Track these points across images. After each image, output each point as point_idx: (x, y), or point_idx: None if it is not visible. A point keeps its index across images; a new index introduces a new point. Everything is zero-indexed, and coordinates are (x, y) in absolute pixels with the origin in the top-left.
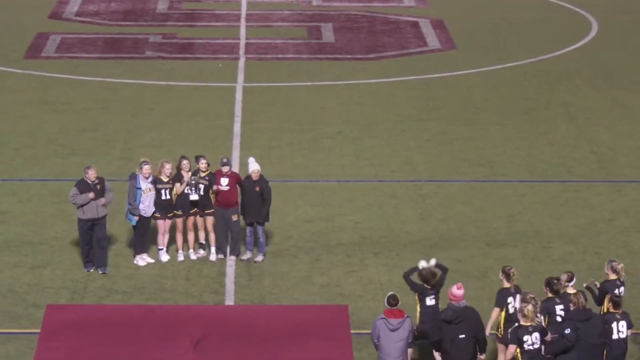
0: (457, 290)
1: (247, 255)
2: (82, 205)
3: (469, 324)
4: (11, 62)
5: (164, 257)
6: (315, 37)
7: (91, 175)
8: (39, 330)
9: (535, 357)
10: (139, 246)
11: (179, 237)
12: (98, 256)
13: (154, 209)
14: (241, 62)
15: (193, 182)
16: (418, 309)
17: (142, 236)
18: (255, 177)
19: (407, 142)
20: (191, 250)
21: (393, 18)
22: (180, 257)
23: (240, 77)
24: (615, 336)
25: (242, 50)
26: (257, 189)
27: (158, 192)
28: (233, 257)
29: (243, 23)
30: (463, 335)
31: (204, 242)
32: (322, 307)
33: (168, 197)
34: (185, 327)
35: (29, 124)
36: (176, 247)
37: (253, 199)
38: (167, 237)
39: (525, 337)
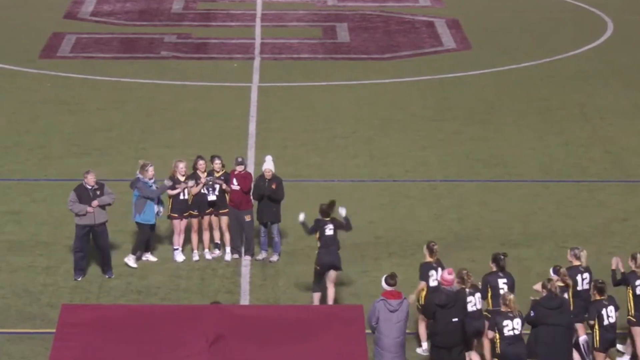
0: (448, 275)
1: (262, 255)
2: (78, 214)
3: (460, 308)
4: (26, 62)
5: (180, 257)
6: (331, 37)
7: (90, 180)
8: (53, 330)
9: (514, 342)
10: (142, 247)
11: (194, 237)
12: (103, 263)
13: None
14: (256, 62)
15: (210, 182)
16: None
17: (149, 239)
18: (267, 175)
19: (422, 142)
20: (206, 250)
21: (408, 18)
22: (196, 257)
23: (256, 77)
24: (606, 322)
25: (257, 50)
26: (273, 186)
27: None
28: (248, 257)
29: (258, 23)
30: (456, 319)
31: (219, 242)
32: (336, 307)
33: (185, 197)
34: (200, 327)
35: (43, 124)
36: (191, 247)
37: (267, 197)
38: (182, 237)
39: (506, 322)
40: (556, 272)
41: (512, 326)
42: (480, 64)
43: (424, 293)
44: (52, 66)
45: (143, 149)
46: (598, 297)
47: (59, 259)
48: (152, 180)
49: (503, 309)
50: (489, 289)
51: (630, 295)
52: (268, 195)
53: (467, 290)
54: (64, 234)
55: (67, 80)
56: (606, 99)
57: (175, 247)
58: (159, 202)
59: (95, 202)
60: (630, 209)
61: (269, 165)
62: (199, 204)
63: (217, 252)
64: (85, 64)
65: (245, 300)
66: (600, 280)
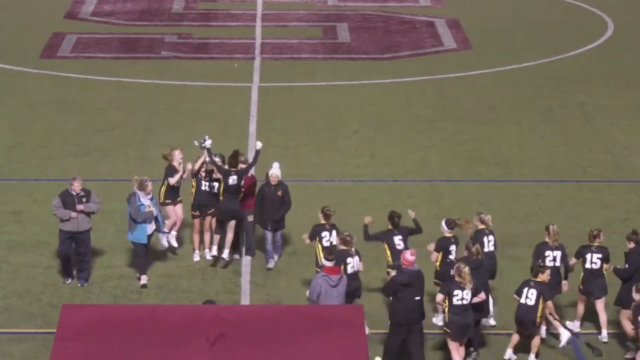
0: (410, 256)
1: (271, 264)
2: (62, 219)
3: (421, 287)
4: (27, 62)
5: (173, 241)
6: (331, 37)
7: (76, 187)
8: (54, 330)
9: (463, 312)
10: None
11: (196, 238)
12: (80, 269)
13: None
14: (257, 62)
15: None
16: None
17: (144, 262)
18: (273, 181)
19: (423, 142)
20: (206, 250)
21: (409, 18)
22: (196, 258)
23: (256, 77)
24: (522, 301)
25: (257, 50)
26: (279, 193)
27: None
28: (248, 257)
29: (259, 23)
30: (418, 297)
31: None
32: (337, 307)
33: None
34: (201, 327)
35: (44, 124)
36: (192, 248)
37: (274, 204)
38: (179, 222)
39: (456, 292)
40: (449, 224)
41: (462, 296)
42: (481, 64)
43: (319, 253)
44: (53, 66)
45: (144, 149)
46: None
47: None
48: (150, 196)
49: (457, 279)
50: (387, 246)
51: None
52: (280, 199)
53: (348, 251)
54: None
55: (67, 80)
56: (607, 99)
57: (165, 231)
58: (156, 220)
59: (80, 207)
60: (631, 209)
61: (276, 171)
62: (200, 205)
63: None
64: (85, 64)
65: (245, 300)
66: (540, 264)
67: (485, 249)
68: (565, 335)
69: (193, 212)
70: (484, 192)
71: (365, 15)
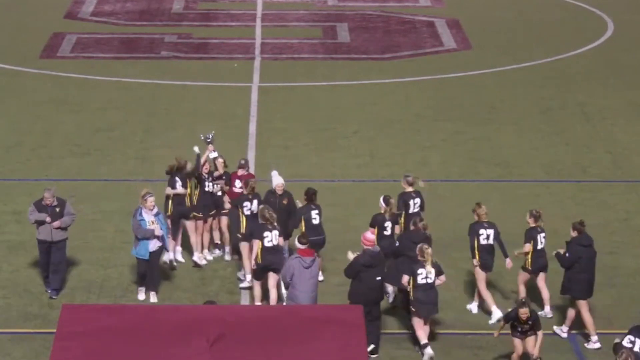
0: (370, 235)
1: None
2: (37, 223)
3: (382, 267)
4: (27, 62)
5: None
6: (331, 37)
7: (47, 199)
8: (54, 330)
9: (427, 290)
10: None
11: (197, 239)
12: (52, 279)
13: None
14: (257, 62)
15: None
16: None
17: (151, 271)
18: (279, 191)
19: (423, 142)
20: (205, 251)
21: (408, 18)
22: (195, 258)
23: (256, 77)
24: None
25: (257, 50)
26: (285, 202)
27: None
28: None
29: (258, 23)
30: (379, 278)
31: (219, 242)
32: (337, 307)
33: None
34: (201, 327)
35: (44, 124)
36: (193, 249)
37: (281, 214)
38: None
39: (420, 271)
40: (386, 201)
41: (425, 274)
42: (481, 64)
43: (243, 223)
44: (53, 66)
45: (144, 149)
46: (533, 225)
47: None
48: (154, 212)
49: (419, 258)
50: (304, 221)
51: (531, 250)
52: (286, 208)
53: (268, 226)
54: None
55: (67, 80)
56: (607, 99)
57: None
58: (162, 239)
59: (56, 224)
60: (631, 208)
61: (280, 180)
62: (202, 207)
63: (217, 252)
64: (85, 64)
65: (245, 300)
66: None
67: (411, 210)
68: (496, 314)
69: (195, 214)
70: (484, 192)
71: (365, 15)
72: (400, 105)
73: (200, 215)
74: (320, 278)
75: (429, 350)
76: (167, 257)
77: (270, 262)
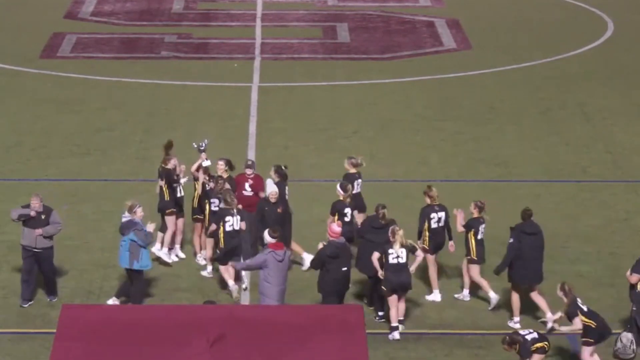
0: (337, 227)
1: None
2: (21, 220)
3: (347, 258)
4: (27, 62)
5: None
6: (331, 37)
7: (34, 204)
8: (54, 330)
9: (399, 270)
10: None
11: (197, 241)
12: (48, 287)
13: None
14: (257, 62)
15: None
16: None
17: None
18: (273, 199)
19: (423, 142)
20: (204, 251)
21: (408, 18)
22: (199, 259)
23: (256, 77)
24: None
25: (257, 50)
26: (279, 210)
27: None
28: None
29: (258, 23)
30: (345, 268)
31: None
32: (336, 307)
33: (181, 194)
34: (201, 327)
35: (44, 124)
36: (194, 251)
37: (275, 221)
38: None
39: (391, 251)
40: (343, 188)
41: (396, 255)
42: (481, 64)
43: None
44: (53, 66)
45: (144, 149)
46: (477, 215)
47: (59, 259)
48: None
49: (391, 239)
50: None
51: (473, 240)
52: (281, 216)
53: (231, 211)
54: (65, 234)
55: (67, 80)
56: (607, 99)
57: (170, 247)
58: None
59: (38, 231)
60: (631, 209)
61: (274, 188)
62: (204, 208)
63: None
64: (85, 64)
65: (245, 300)
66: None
67: (354, 191)
68: (436, 296)
69: (198, 216)
70: (484, 192)
71: (365, 15)
72: (400, 105)
73: (202, 217)
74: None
75: (395, 335)
76: (167, 257)
77: (232, 245)
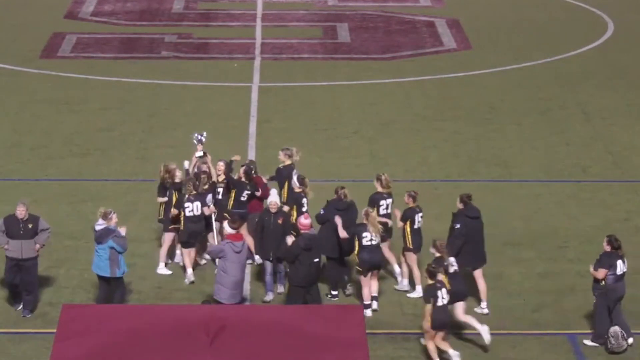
0: (305, 220)
1: (269, 297)
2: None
3: (318, 250)
4: (27, 62)
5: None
6: (331, 37)
7: (19, 212)
8: (54, 330)
9: (372, 252)
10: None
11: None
12: (26, 301)
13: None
14: (257, 62)
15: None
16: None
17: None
18: (273, 209)
19: (423, 142)
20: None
21: (409, 18)
22: (203, 261)
23: (256, 77)
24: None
25: (257, 50)
26: (280, 221)
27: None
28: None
29: (259, 23)
30: (317, 259)
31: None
32: (337, 307)
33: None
34: (200, 327)
35: (44, 124)
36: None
37: (275, 232)
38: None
39: (365, 234)
40: (300, 181)
41: (370, 237)
42: (481, 64)
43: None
44: (53, 66)
45: (145, 149)
46: (412, 205)
47: (59, 259)
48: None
49: (364, 221)
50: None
51: (408, 229)
52: (281, 227)
53: (190, 197)
54: (65, 234)
55: (67, 80)
56: (607, 99)
57: (168, 262)
58: None
59: (37, 247)
60: (631, 209)
61: (276, 198)
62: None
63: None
64: (85, 64)
65: (246, 300)
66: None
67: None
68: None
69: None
70: (483, 192)
71: (365, 15)
72: (400, 105)
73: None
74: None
75: (367, 312)
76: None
77: (192, 230)
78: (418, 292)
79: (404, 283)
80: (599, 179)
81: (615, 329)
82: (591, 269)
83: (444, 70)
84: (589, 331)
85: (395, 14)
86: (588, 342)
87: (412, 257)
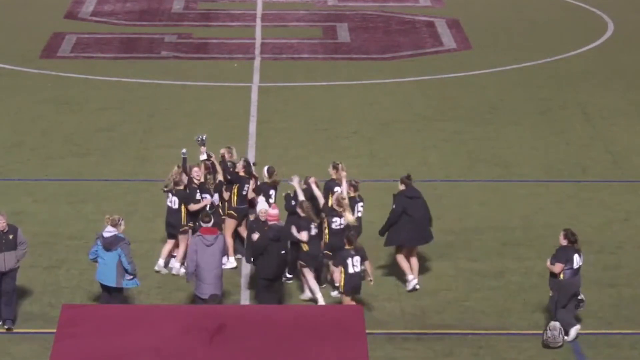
0: (272, 211)
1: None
2: None
3: (286, 241)
4: (27, 62)
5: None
6: (331, 37)
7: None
8: (54, 330)
9: (337, 235)
10: None
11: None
12: (5, 311)
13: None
14: (257, 62)
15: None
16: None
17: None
18: (263, 217)
19: (423, 142)
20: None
21: (408, 18)
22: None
23: (256, 77)
24: (350, 270)
25: (257, 50)
26: (267, 229)
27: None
28: None
29: (259, 23)
30: (284, 251)
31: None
32: (336, 307)
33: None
34: (200, 328)
35: (44, 124)
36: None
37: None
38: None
39: (335, 219)
40: (270, 172)
41: (340, 222)
42: (481, 64)
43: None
44: (53, 66)
45: (144, 149)
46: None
47: (60, 259)
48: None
49: (336, 207)
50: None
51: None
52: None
53: (172, 191)
54: (66, 234)
55: (67, 80)
56: (607, 99)
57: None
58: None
59: (14, 259)
60: (631, 209)
61: (266, 205)
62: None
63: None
64: (85, 64)
65: (245, 300)
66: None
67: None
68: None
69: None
70: (483, 192)
71: (365, 15)
72: (400, 105)
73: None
74: (233, 264)
75: (334, 293)
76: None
77: (168, 220)
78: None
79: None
80: (599, 179)
81: (556, 324)
82: (548, 264)
83: (444, 70)
84: (589, 331)
85: (395, 14)
86: (566, 338)
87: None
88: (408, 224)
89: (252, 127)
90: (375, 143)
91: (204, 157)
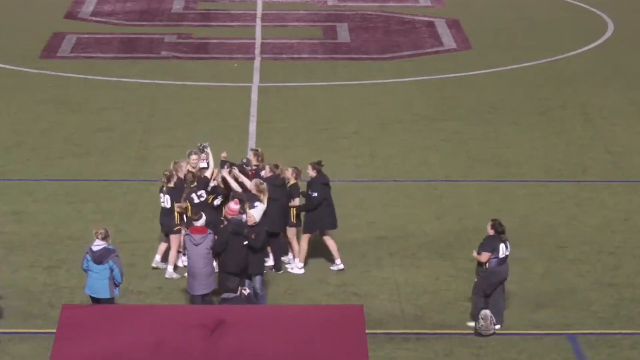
0: (234, 205)
1: None
2: None
3: (248, 234)
4: (27, 62)
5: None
6: (331, 37)
7: None
8: (54, 330)
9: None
10: None
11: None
12: None
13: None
14: (257, 62)
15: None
16: None
17: None
18: (252, 222)
19: (423, 142)
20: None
21: (408, 18)
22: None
23: (256, 77)
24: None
25: (257, 50)
26: (253, 235)
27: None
28: None
29: (258, 23)
30: (245, 242)
31: None
32: (336, 307)
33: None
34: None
35: (44, 124)
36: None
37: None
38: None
39: (256, 203)
40: (225, 166)
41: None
42: (481, 64)
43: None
44: (53, 66)
45: (144, 149)
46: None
47: (60, 259)
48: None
49: (255, 192)
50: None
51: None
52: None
53: (163, 188)
54: (66, 234)
55: (67, 80)
56: (607, 99)
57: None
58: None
59: None
60: (631, 209)
61: (253, 212)
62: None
63: None
64: (85, 64)
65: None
66: None
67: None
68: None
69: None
70: (484, 192)
71: (365, 15)
72: (400, 105)
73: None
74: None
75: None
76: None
77: (160, 220)
78: (297, 266)
79: (295, 262)
80: (599, 179)
81: (486, 312)
82: (474, 253)
83: (444, 70)
84: (589, 331)
85: (395, 14)
86: (469, 324)
87: (292, 232)
88: (327, 208)
89: (252, 127)
90: (375, 143)
91: (204, 165)
